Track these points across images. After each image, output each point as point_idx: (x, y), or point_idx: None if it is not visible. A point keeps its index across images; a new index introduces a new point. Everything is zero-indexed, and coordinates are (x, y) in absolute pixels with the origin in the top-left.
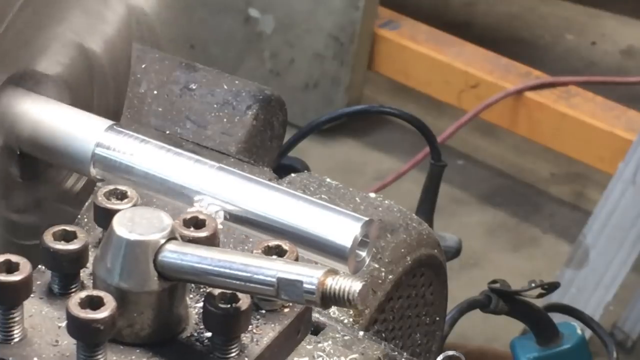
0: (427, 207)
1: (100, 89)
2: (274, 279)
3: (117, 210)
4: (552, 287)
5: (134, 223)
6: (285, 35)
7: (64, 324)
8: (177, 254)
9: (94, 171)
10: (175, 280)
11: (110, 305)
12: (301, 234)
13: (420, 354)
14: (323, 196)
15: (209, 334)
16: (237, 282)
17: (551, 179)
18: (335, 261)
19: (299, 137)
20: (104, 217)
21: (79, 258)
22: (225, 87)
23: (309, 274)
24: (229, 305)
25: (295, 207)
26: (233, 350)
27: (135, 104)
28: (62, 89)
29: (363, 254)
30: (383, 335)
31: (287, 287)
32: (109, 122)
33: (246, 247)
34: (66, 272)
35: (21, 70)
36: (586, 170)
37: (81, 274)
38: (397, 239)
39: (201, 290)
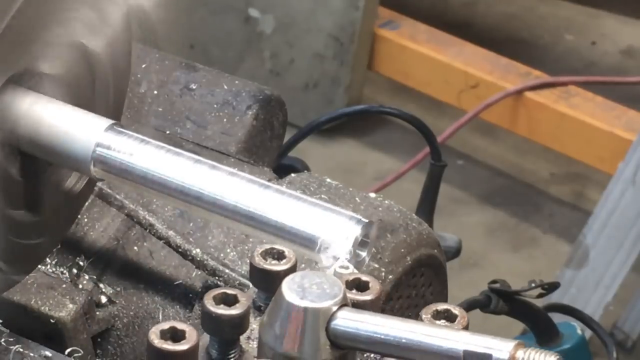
0: (427, 207)
1: (100, 89)
2: (460, 352)
3: (276, 272)
4: (552, 287)
5: (304, 289)
6: (285, 35)
7: None
8: (351, 322)
9: (94, 171)
10: (348, 349)
11: None
12: (302, 234)
13: None
14: (323, 196)
15: None
16: (419, 354)
17: (551, 179)
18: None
19: (299, 137)
20: (263, 278)
21: (240, 323)
22: (225, 87)
23: (498, 347)
24: None
25: (296, 208)
26: None
27: (135, 104)
28: (62, 89)
29: (363, 254)
30: None
31: None
32: (109, 122)
33: (246, 247)
34: (226, 337)
35: (22, 69)
36: (586, 170)
37: (240, 338)
38: (397, 239)
39: (365, 355)
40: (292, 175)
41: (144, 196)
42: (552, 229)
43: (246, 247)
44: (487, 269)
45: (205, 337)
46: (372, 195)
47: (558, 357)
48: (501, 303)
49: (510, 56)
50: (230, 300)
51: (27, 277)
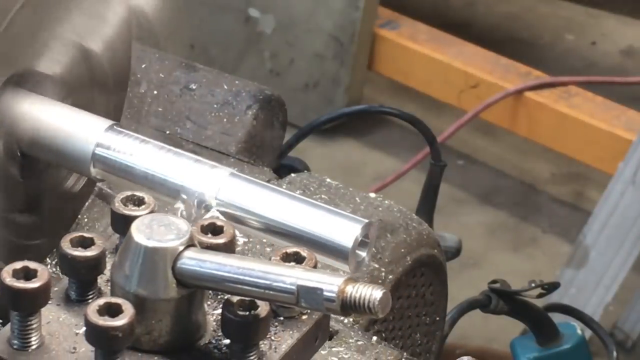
0: (427, 207)
1: (100, 89)
2: (294, 287)
3: (134, 217)
4: (552, 287)
5: (152, 230)
6: (285, 35)
7: (81, 330)
8: (196, 261)
9: (94, 171)
10: (194, 288)
11: (128, 312)
12: (303, 235)
13: (420, 354)
14: (323, 196)
15: (227, 341)
16: (257, 290)
17: (551, 179)
18: (336, 261)
19: (299, 137)
20: (122, 223)
21: (96, 265)
22: (225, 87)
23: (329, 281)
24: (247, 313)
25: (298, 209)
26: (251, 357)
27: (135, 104)
28: (62, 89)
29: (363, 254)
30: (383, 335)
31: (307, 295)
32: (109, 122)
33: (246, 247)
34: (83, 278)
35: (21, 70)
36: (586, 170)
37: (98, 281)
38: (397, 239)
39: (219, 297)
40: (292, 175)
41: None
42: (552, 229)
43: (246, 247)
44: (487, 269)
45: (65, 280)
46: (372, 195)
47: (384, 290)
48: (501, 303)
49: (510, 56)
50: (87, 243)
51: None
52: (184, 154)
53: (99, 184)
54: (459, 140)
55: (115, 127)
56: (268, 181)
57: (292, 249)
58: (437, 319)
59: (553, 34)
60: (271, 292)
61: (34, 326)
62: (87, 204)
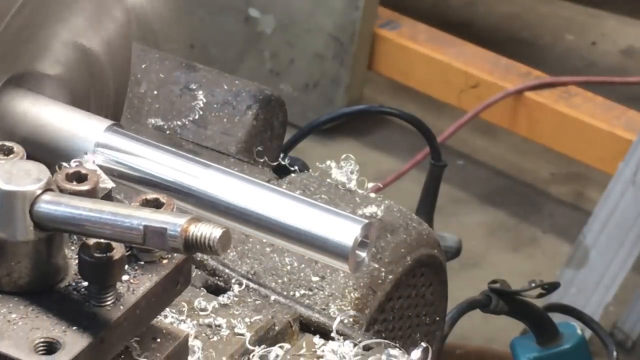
0: (427, 207)
1: (100, 89)
2: (140, 227)
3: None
4: (552, 287)
5: (12, 175)
6: (285, 35)
7: None
8: (52, 205)
9: None
10: (51, 231)
11: None
12: (303, 235)
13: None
14: (323, 196)
15: (86, 283)
16: (107, 231)
17: (551, 179)
18: (336, 261)
19: (299, 137)
20: None
21: None
22: (225, 87)
23: (173, 221)
24: (102, 255)
25: (297, 209)
26: (109, 298)
27: (135, 104)
28: (62, 89)
29: (363, 254)
30: (383, 335)
31: (153, 235)
32: (109, 122)
33: (246, 247)
34: None
35: (21, 70)
36: (586, 170)
37: None
38: (397, 239)
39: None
40: (292, 175)
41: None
42: (552, 229)
43: (246, 247)
44: (487, 269)
45: None
46: (372, 195)
47: (225, 229)
48: (501, 303)
49: (510, 56)
50: None
51: None
52: (183, 154)
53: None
54: (459, 140)
55: (115, 127)
56: (268, 181)
57: (152, 195)
58: (437, 319)
59: (553, 34)
60: (120, 232)
61: None
62: None
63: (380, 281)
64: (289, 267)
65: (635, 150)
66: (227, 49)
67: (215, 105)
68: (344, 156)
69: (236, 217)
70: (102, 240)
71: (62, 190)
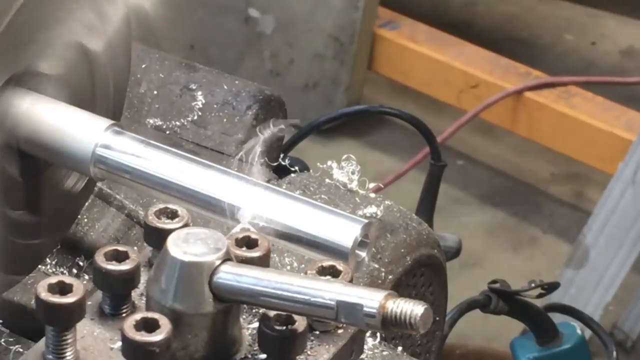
0: (427, 207)
1: (100, 89)
2: (333, 302)
3: (168, 230)
4: (552, 287)
5: (189, 244)
6: (285, 35)
7: (116, 345)
8: (233, 276)
9: (94, 171)
10: (231, 302)
11: (165, 327)
12: (303, 235)
13: (420, 354)
14: (323, 196)
15: (263, 356)
16: (295, 305)
17: (551, 179)
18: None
19: (299, 137)
20: (155, 236)
21: (131, 279)
22: (225, 87)
23: (369, 297)
24: (284, 327)
25: (297, 209)
26: None
27: (135, 104)
28: (62, 89)
29: (363, 254)
30: (383, 335)
31: (347, 311)
32: (109, 122)
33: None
34: (118, 292)
35: (22, 69)
36: (586, 170)
37: (132, 294)
38: (397, 239)
39: (254, 310)
40: (292, 175)
41: (144, 196)
42: (552, 229)
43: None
44: (487, 269)
45: (99, 294)
46: (372, 195)
47: (426, 306)
48: (501, 303)
49: (510, 56)
50: (121, 257)
51: (27, 277)
52: (183, 154)
53: (99, 184)
54: (459, 140)
55: (115, 127)
56: (268, 181)
57: (327, 262)
58: (437, 319)
59: (553, 34)
60: (310, 307)
61: (69, 341)
62: (87, 204)
63: (380, 281)
64: (288, 267)
65: (635, 150)
66: (227, 49)
67: (215, 106)
68: (344, 156)
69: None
70: (282, 312)
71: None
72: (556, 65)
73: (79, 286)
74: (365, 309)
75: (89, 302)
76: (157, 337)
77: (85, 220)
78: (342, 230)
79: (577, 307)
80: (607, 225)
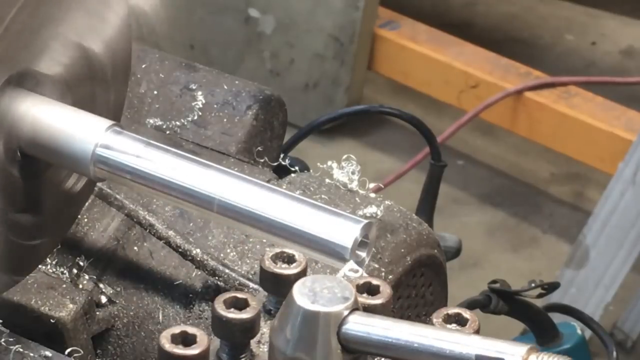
0: (427, 207)
1: (100, 89)
2: (472, 356)
3: (286, 276)
4: (552, 287)
5: (315, 293)
6: (285, 35)
7: None
8: (362, 326)
9: (94, 171)
10: (359, 353)
11: None
12: (303, 235)
13: None
14: (323, 196)
15: None
16: (430, 358)
17: (551, 179)
18: (336, 261)
19: (299, 137)
20: (272, 281)
21: (252, 327)
22: (225, 87)
23: (510, 351)
24: None
25: (298, 209)
26: None
27: (135, 104)
28: (62, 89)
29: (363, 254)
30: None
31: None
32: (109, 122)
33: (246, 248)
34: (237, 341)
35: (21, 70)
36: (586, 170)
37: (250, 342)
38: (397, 239)
39: (375, 358)
40: (292, 175)
41: (144, 196)
42: (552, 229)
43: (246, 247)
44: (487, 269)
45: (216, 341)
46: (372, 195)
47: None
48: (501, 303)
49: (510, 56)
50: (241, 304)
51: (27, 277)
52: (184, 154)
53: (99, 184)
54: (459, 140)
55: (115, 127)
56: (268, 181)
57: (452, 310)
58: None
59: (553, 34)
60: None
61: None
62: (87, 204)
63: None
64: None
65: (635, 150)
66: (227, 49)
67: (215, 106)
68: (345, 157)
69: (236, 217)
70: None
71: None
72: (556, 65)
73: (203, 337)
74: None
75: None
76: None
77: (85, 220)
78: (342, 230)
79: (577, 307)
80: (607, 225)
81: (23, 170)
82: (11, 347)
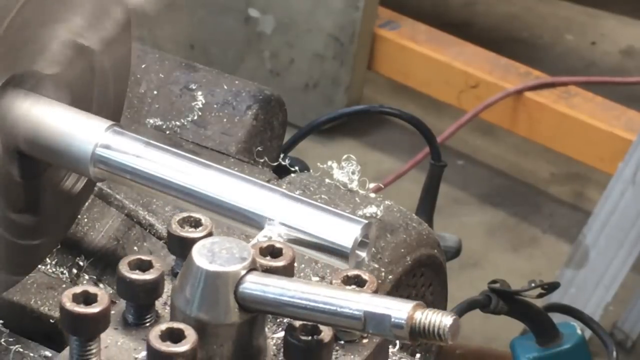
0: (427, 207)
1: (100, 89)
2: (360, 313)
3: (192, 239)
4: (552, 287)
5: (214, 253)
6: (285, 35)
7: (140, 355)
8: (259, 285)
9: (93, 171)
10: (256, 312)
11: (191, 338)
12: (304, 235)
13: (421, 353)
14: (323, 196)
15: None
16: (322, 315)
17: (551, 179)
18: (336, 261)
19: (299, 137)
20: (179, 245)
21: (155, 288)
22: (225, 87)
23: (397, 307)
24: (310, 337)
25: (298, 210)
26: None
27: (135, 104)
28: (62, 89)
29: (363, 254)
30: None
31: (375, 321)
32: (109, 122)
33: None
34: (142, 302)
35: (21, 70)
36: (586, 170)
37: (155, 303)
38: (397, 239)
39: (279, 320)
40: (292, 175)
41: (144, 196)
42: (552, 229)
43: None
44: (487, 269)
45: (122, 303)
46: (372, 195)
47: (455, 317)
48: (501, 303)
49: (510, 56)
50: (145, 266)
51: (27, 277)
52: (184, 154)
53: (99, 184)
54: (459, 140)
55: (115, 127)
56: (268, 181)
57: (352, 271)
58: None
59: (553, 34)
60: (337, 318)
61: (94, 351)
62: (87, 204)
63: (380, 281)
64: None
65: (635, 150)
66: (227, 49)
67: (215, 106)
68: (345, 157)
69: (236, 217)
70: (308, 322)
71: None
72: (556, 65)
73: (104, 296)
74: (393, 319)
75: (113, 312)
76: (183, 347)
77: (85, 220)
78: (342, 230)
79: (577, 307)
80: (607, 225)
81: (23, 170)
82: (11, 347)
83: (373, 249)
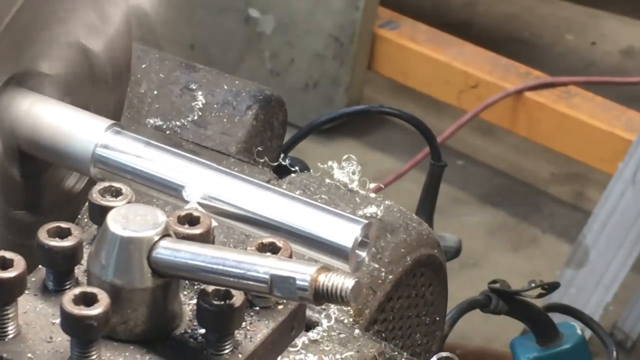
0: (427, 207)
1: (100, 89)
2: (267, 276)
3: (111, 208)
4: (552, 287)
5: (128, 220)
6: (285, 35)
7: (58, 320)
8: (171, 251)
9: (94, 171)
10: (169, 277)
11: (104, 301)
12: (303, 235)
13: (420, 354)
14: (323, 196)
15: (202, 331)
16: (230, 279)
17: (551, 179)
18: (337, 261)
19: (299, 137)
20: (99, 214)
21: (73, 255)
22: (225, 87)
23: (302, 270)
24: (222, 302)
25: (298, 210)
26: (227, 346)
27: (135, 104)
28: (62, 89)
29: (363, 254)
30: (383, 335)
31: (280, 284)
32: (109, 122)
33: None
34: (60, 268)
35: (22, 70)
36: (586, 170)
37: (76, 271)
38: (397, 239)
39: (195, 287)
40: (292, 175)
41: (144, 196)
42: (552, 229)
43: (247, 248)
44: (487, 269)
45: (43, 270)
46: (372, 195)
47: (356, 279)
48: (501, 303)
49: (510, 56)
50: (64, 234)
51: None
52: (184, 155)
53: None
54: (459, 140)
55: (115, 127)
56: (268, 181)
57: (268, 239)
58: (437, 319)
59: (553, 34)
60: (244, 282)
61: (11, 315)
62: (87, 204)
63: (380, 281)
64: None
65: (635, 150)
66: (227, 49)
67: (215, 106)
68: (345, 157)
69: (236, 217)
70: (220, 287)
71: (174, 234)
72: (556, 65)
73: (20, 261)
74: (297, 282)
75: (33, 279)
76: (94, 311)
77: (85, 220)
78: (343, 230)
79: (577, 307)
80: (607, 225)
81: (23, 170)
82: None
83: (373, 249)
